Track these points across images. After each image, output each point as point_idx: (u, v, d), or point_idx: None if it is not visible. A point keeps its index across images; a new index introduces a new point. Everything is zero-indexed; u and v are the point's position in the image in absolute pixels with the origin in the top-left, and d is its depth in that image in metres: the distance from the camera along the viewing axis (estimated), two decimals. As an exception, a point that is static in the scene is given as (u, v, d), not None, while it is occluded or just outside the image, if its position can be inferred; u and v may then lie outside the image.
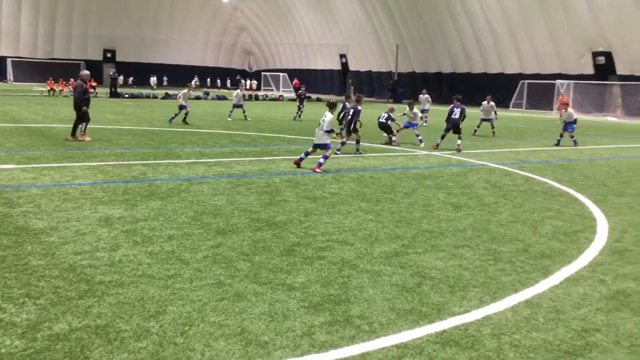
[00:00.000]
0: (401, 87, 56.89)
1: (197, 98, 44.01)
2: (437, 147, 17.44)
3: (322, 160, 12.38)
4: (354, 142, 15.92)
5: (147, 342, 4.09)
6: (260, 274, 5.61)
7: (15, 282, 5.15)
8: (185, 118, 22.77)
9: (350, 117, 15.59)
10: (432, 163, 14.60)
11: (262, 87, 75.61)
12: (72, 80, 41.43)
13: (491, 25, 49.35)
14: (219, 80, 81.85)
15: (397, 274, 5.77)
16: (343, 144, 15.70)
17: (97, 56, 73.08)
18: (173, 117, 22.87)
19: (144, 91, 52.55)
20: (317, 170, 12.14)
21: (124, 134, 18.17)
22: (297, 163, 12.66)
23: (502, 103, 44.86)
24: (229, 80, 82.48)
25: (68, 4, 69.05)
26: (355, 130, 15.73)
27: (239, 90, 27.16)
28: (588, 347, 4.33)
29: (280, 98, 52.65)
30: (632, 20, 39.43)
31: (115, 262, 5.79)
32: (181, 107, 22.64)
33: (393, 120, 18.40)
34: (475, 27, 50.74)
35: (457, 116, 17.23)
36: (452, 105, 17.74)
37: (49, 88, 43.17)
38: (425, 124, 25.64)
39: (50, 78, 44.11)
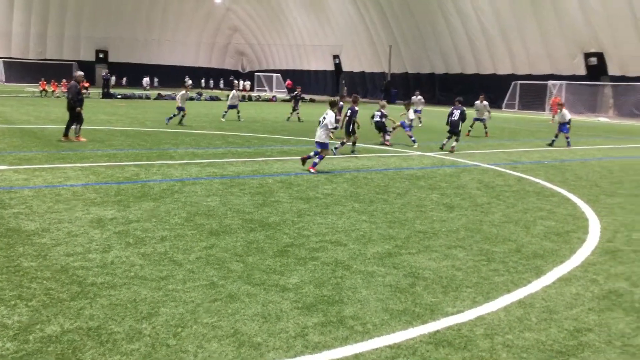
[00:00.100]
0: (394, 87, 56.97)
1: (191, 99, 43.83)
2: (444, 147, 17.50)
3: (317, 161, 12.37)
4: (351, 143, 15.94)
5: (139, 343, 4.07)
6: (254, 275, 5.60)
7: (6, 283, 5.11)
8: (181, 120, 22.74)
9: (347, 117, 15.62)
10: (425, 164, 14.63)
11: (255, 88, 75.50)
12: (64, 81, 41.27)
13: (484, 27, 49.58)
14: (212, 81, 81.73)
15: (391, 275, 5.78)
16: (342, 144, 15.71)
17: (90, 57, 72.73)
18: (170, 118, 22.83)
19: (137, 92, 52.35)
20: (312, 170, 12.13)
21: (116, 135, 18.10)
22: (303, 160, 12.57)
23: (495, 104, 44.98)
24: (222, 81, 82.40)
25: (60, 4, 68.71)
26: (353, 131, 15.75)
27: (234, 91, 27.28)
28: (580, 347, 4.35)
29: (274, 99, 52.65)
30: (624, 21, 39.70)
31: (107, 263, 5.77)
32: (179, 109, 22.63)
33: (386, 116, 18.41)
34: (468, 28, 50.96)
35: (456, 118, 17.28)
36: (452, 107, 17.80)
37: (41, 89, 42.95)
38: (420, 124, 26.17)
39: (42, 79, 43.87)
